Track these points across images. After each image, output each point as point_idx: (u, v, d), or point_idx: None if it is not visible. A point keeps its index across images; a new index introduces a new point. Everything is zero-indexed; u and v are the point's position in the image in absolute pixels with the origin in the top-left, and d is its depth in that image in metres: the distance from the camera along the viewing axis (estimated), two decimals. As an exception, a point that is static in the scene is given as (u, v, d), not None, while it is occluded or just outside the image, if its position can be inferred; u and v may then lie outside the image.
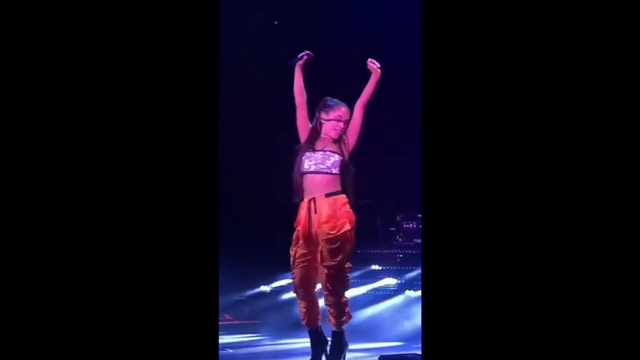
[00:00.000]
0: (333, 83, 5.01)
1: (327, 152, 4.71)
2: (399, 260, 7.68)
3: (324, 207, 4.65)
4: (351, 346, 4.87)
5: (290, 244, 4.76)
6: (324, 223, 4.63)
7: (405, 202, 7.66)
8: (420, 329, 6.26)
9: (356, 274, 7.21)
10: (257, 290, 8.14)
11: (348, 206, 4.69)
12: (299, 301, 4.78)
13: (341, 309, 4.70)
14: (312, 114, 4.82)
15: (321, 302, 4.78)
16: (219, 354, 4.04)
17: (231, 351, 6.27)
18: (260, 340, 7.34)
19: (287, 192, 4.81)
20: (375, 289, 7.55)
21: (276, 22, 8.11)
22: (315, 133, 4.77)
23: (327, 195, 4.66)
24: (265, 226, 7.58)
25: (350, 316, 4.76)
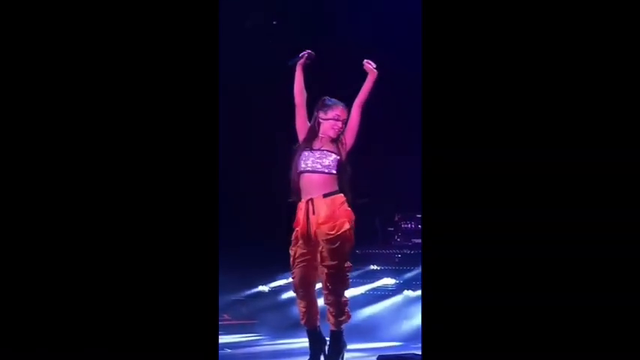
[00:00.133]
0: (333, 83, 5.02)
1: (325, 152, 4.71)
2: (397, 260, 7.68)
3: (322, 207, 4.65)
4: (350, 346, 4.86)
5: (289, 244, 4.77)
6: (324, 223, 4.63)
7: (403, 202, 7.66)
8: (419, 329, 6.28)
9: (354, 273, 7.18)
10: (255, 290, 8.14)
11: (346, 205, 4.70)
12: (298, 301, 4.78)
13: (340, 308, 4.70)
14: (311, 114, 4.83)
15: (321, 302, 4.79)
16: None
17: (229, 351, 6.26)
18: (258, 340, 7.34)
19: (287, 192, 4.81)
20: (374, 289, 7.55)
21: (274, 22, 8.11)
22: (313, 133, 4.78)
23: (325, 195, 4.67)
24: (265, 226, 7.58)
25: (349, 316, 4.77)
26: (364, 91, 4.77)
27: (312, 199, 4.67)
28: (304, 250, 4.70)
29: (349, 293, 4.84)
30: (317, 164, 4.69)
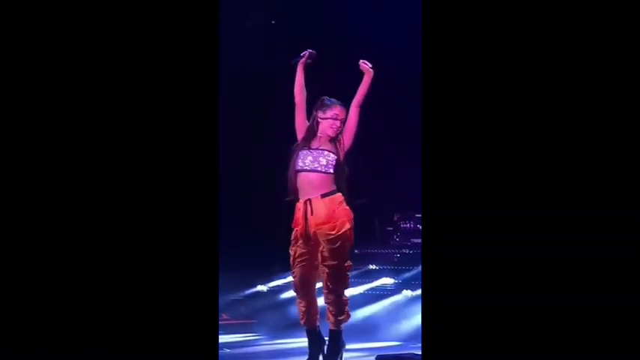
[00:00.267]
0: (333, 83, 5.01)
1: (323, 151, 4.72)
2: (396, 260, 7.68)
3: (321, 208, 4.65)
4: (348, 346, 4.87)
5: (289, 243, 4.77)
6: (324, 223, 4.64)
7: (402, 201, 7.66)
8: (417, 329, 6.28)
9: (353, 273, 7.16)
10: (254, 290, 8.14)
11: (345, 204, 4.71)
12: (299, 300, 4.79)
13: (340, 307, 4.71)
14: (310, 114, 4.83)
15: (320, 301, 4.79)
16: (216, 354, 4.04)
17: (228, 351, 6.26)
18: (257, 339, 7.33)
19: (286, 191, 4.81)
20: (372, 289, 7.55)
21: (273, 22, 8.11)
22: (311, 132, 4.79)
23: (323, 196, 4.67)
24: (264, 226, 7.58)
25: (349, 316, 4.78)
26: (361, 91, 4.78)
27: (310, 200, 4.68)
28: (304, 250, 4.70)
29: (348, 293, 4.85)
30: (315, 163, 4.69)
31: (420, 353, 4.54)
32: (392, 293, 7.47)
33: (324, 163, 4.69)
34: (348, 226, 4.66)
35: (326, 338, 4.79)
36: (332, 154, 4.71)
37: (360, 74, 4.81)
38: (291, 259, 4.75)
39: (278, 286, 7.89)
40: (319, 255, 4.68)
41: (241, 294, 8.11)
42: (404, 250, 7.67)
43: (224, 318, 7.66)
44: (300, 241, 4.70)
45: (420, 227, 7.47)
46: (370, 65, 4.80)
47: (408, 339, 6.70)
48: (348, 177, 4.74)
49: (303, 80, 4.83)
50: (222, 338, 6.70)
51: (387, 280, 7.55)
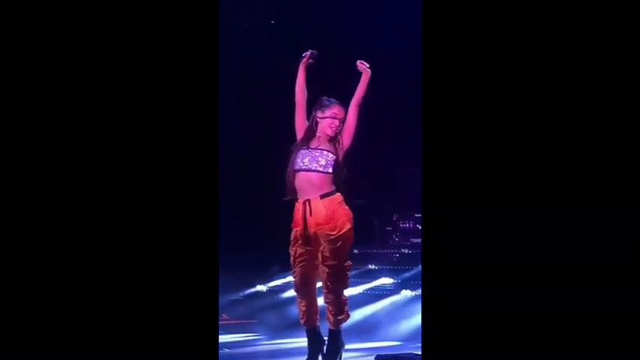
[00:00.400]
0: (333, 83, 5.02)
1: (322, 151, 4.72)
2: (395, 260, 7.68)
3: (320, 209, 4.66)
4: (348, 346, 4.87)
5: (289, 244, 4.77)
6: (325, 224, 4.64)
7: (402, 201, 7.66)
8: (417, 329, 6.28)
9: (353, 273, 7.17)
10: (254, 290, 8.14)
11: (344, 204, 4.71)
12: (299, 300, 4.80)
13: (340, 307, 4.72)
14: (310, 114, 4.83)
15: (320, 301, 4.79)
16: (215, 353, 4.04)
17: (227, 350, 6.26)
18: (257, 339, 7.33)
19: (285, 191, 4.81)
20: (372, 289, 7.55)
21: (272, 22, 8.11)
22: (310, 132, 4.79)
23: (322, 196, 4.67)
24: (264, 226, 7.58)
25: (348, 315, 4.79)
26: (359, 91, 4.79)
27: (309, 200, 4.68)
28: (304, 250, 4.71)
29: (347, 293, 4.86)
30: (314, 163, 4.70)
31: (419, 353, 4.55)
32: (391, 293, 7.48)
33: (323, 162, 4.70)
34: (348, 226, 4.67)
35: (325, 338, 4.80)
36: (331, 154, 4.71)
37: (358, 74, 4.82)
38: (292, 259, 4.75)
39: (278, 286, 7.90)
40: (320, 255, 4.69)
41: (241, 294, 8.11)
42: (403, 250, 7.67)
43: (224, 318, 7.66)
44: (300, 241, 4.71)
45: (419, 227, 7.48)
46: (368, 65, 4.81)
47: (407, 339, 6.70)
48: (347, 177, 4.75)
49: (304, 80, 4.84)
50: (222, 338, 6.70)
51: (386, 280, 7.55)
